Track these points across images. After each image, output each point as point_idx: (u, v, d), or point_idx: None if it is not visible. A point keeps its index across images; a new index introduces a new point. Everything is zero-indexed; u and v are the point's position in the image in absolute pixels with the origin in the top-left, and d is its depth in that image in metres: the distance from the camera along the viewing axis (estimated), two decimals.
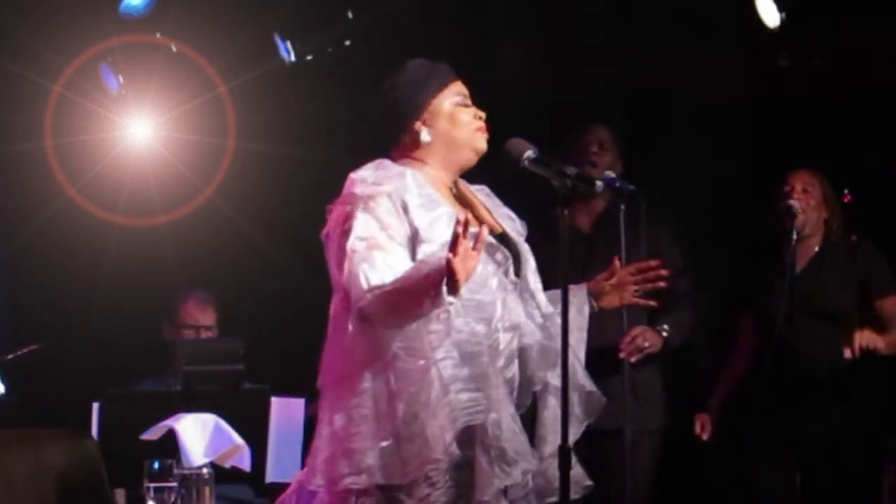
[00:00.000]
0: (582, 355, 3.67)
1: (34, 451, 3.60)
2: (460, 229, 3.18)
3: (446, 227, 3.37)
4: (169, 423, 4.10)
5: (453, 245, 3.19)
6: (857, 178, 5.76)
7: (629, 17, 5.97)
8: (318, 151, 5.63)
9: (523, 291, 3.57)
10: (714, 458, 5.62)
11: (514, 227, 3.68)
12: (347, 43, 5.94)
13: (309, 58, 5.90)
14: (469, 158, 3.63)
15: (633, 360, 5.01)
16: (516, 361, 3.49)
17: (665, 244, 5.08)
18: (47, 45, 5.49)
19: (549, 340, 3.51)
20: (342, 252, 3.40)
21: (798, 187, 5.31)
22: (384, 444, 3.34)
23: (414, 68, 3.63)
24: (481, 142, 3.62)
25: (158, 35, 5.71)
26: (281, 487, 3.80)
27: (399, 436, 3.33)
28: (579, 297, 3.72)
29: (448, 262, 3.18)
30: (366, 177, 3.49)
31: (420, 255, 3.39)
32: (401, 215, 3.43)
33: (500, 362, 3.45)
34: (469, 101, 3.64)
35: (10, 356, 5.38)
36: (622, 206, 3.68)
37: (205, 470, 3.68)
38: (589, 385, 3.64)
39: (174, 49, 5.75)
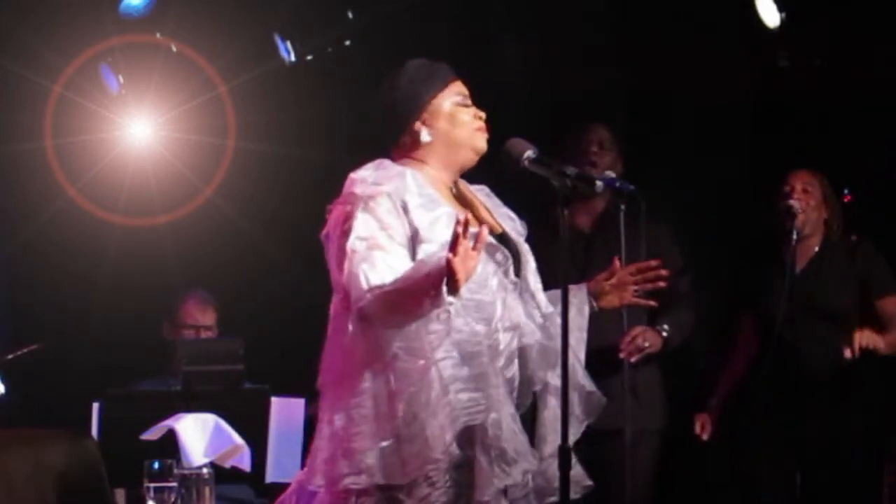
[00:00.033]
0: (582, 355, 3.67)
1: (34, 451, 3.60)
2: (460, 229, 3.18)
3: (446, 227, 3.37)
4: (169, 423, 4.09)
5: (453, 245, 3.18)
6: (857, 178, 5.76)
7: (629, 17, 5.97)
8: (318, 151, 5.63)
9: (523, 291, 3.57)
10: (714, 458, 5.62)
11: (514, 226, 3.68)
12: (347, 43, 5.94)
13: (309, 58, 5.90)
14: (469, 158, 3.63)
15: (632, 360, 5.01)
16: (516, 361, 3.49)
17: (665, 244, 5.08)
18: (47, 45, 5.49)
19: (548, 340, 3.51)
20: (342, 252, 3.40)
21: (798, 187, 5.31)
22: (384, 443, 3.34)
23: (414, 68, 3.63)
24: (481, 142, 3.62)
25: (158, 35, 5.71)
26: (281, 487, 3.80)
27: (399, 436, 3.33)
28: (579, 297, 3.72)
29: (448, 261, 3.18)
30: (366, 177, 3.48)
31: (420, 256, 3.39)
32: (401, 215, 3.43)
33: (500, 362, 3.45)
34: (469, 102, 3.64)
35: (10, 356, 5.38)
36: (622, 206, 3.69)
37: (205, 470, 3.67)
38: (589, 385, 3.64)
39: (174, 49, 5.75)
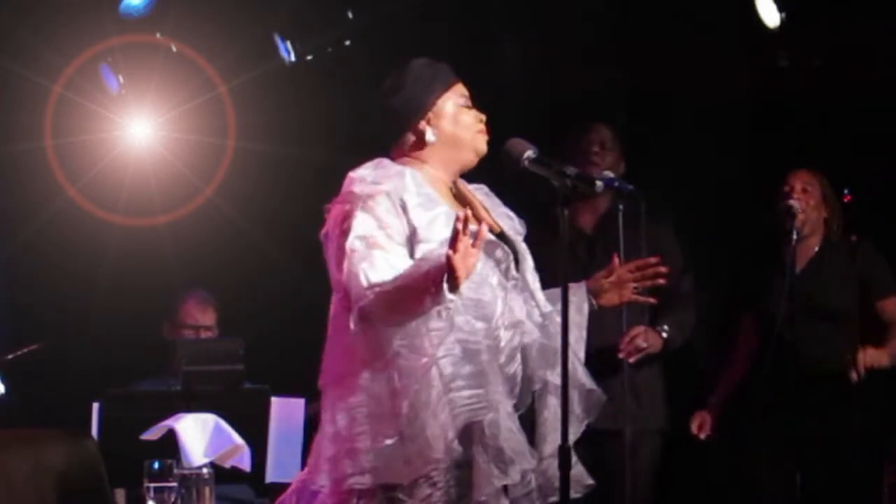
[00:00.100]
0: (581, 354, 3.67)
1: (34, 451, 3.60)
2: (460, 225, 3.18)
3: (445, 227, 3.37)
4: (169, 423, 4.09)
5: (453, 242, 3.18)
6: (857, 178, 5.75)
7: (629, 17, 5.96)
8: (318, 151, 5.63)
9: (522, 290, 3.57)
10: (714, 458, 5.62)
11: (513, 225, 3.68)
12: (347, 43, 5.93)
13: (309, 58, 5.90)
14: (469, 159, 3.63)
15: (631, 360, 5.01)
16: (518, 357, 3.49)
17: (665, 244, 5.08)
18: (47, 45, 5.49)
19: (548, 339, 3.50)
20: (341, 251, 3.40)
21: (798, 187, 5.31)
22: (388, 442, 3.33)
23: (419, 68, 3.63)
24: (482, 144, 3.63)
25: (158, 35, 5.71)
26: (281, 487, 3.80)
27: (402, 435, 3.33)
28: (578, 296, 3.71)
29: (448, 258, 3.18)
30: (365, 176, 3.48)
31: (418, 255, 3.39)
32: (399, 214, 3.43)
33: (501, 359, 3.44)
34: (470, 103, 3.65)
35: (10, 356, 5.38)
36: (620, 206, 3.69)
37: (205, 470, 3.67)
38: (589, 382, 3.63)
39: (174, 49, 5.75)
